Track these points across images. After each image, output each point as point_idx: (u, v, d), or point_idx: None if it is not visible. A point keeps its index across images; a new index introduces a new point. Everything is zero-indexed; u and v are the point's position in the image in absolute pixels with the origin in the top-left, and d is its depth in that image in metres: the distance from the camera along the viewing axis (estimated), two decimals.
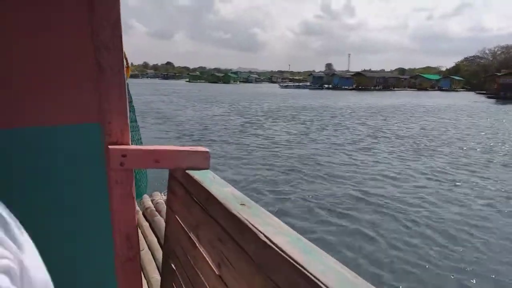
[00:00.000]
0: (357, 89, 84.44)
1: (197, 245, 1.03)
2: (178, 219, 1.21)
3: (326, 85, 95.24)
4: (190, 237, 1.09)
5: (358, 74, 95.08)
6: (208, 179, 1.04)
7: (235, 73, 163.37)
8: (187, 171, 1.11)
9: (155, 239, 2.89)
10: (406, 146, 12.83)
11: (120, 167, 1.06)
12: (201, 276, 0.97)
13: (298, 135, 15.09)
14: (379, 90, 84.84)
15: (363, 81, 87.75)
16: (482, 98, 55.32)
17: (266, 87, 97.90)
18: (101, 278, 1.65)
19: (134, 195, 1.14)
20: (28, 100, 1.46)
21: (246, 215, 0.76)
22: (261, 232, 0.68)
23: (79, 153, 1.55)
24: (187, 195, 1.12)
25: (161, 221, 3.12)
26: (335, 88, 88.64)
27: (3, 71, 1.41)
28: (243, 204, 0.84)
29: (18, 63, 1.42)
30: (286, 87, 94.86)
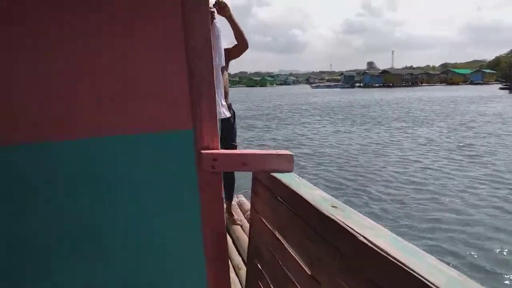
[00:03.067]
0: (385, 86, 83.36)
1: (285, 245, 1.07)
2: (263, 219, 1.26)
3: (357, 84, 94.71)
4: (276, 237, 1.13)
5: (384, 72, 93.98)
6: (294, 181, 1.07)
7: (273, 76, 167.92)
8: (272, 174, 1.15)
9: (230, 239, 3.00)
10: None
11: (211, 170, 1.13)
12: (290, 275, 1.00)
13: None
14: (407, 86, 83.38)
15: (390, 79, 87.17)
16: (497, 90, 51.81)
17: (299, 88, 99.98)
18: (191, 277, 1.76)
19: (223, 196, 1.21)
20: (119, 107, 1.60)
21: (339, 217, 0.78)
22: (358, 234, 0.70)
23: (171, 158, 1.67)
24: (273, 197, 1.16)
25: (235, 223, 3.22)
26: (366, 86, 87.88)
27: (94, 77, 1.55)
28: (335, 207, 0.86)
29: (111, 69, 1.56)
30: (317, 87, 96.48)
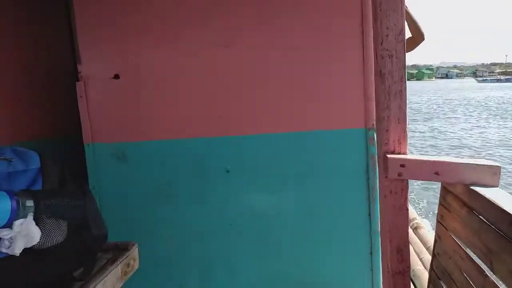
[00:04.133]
0: None
1: (488, 275, 0.90)
2: (454, 237, 1.10)
3: None
4: (475, 263, 0.97)
5: None
6: (505, 199, 0.88)
7: (431, 69, 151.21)
8: (471, 187, 0.98)
9: None
10: None
11: (397, 178, 1.03)
12: None
13: None
14: None
15: None
16: None
17: (460, 82, 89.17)
18: (357, 283, 1.70)
19: (408, 206, 1.09)
20: (291, 106, 1.63)
21: None
22: None
23: (342, 157, 1.63)
24: (470, 214, 0.99)
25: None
26: None
27: (276, 76, 1.61)
28: None
29: (292, 68, 1.60)
30: (484, 81, 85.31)
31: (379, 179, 1.13)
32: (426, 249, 2.48)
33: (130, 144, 1.69)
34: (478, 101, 27.58)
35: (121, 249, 1.08)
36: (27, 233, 0.73)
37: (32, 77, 1.94)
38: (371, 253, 1.65)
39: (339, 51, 1.57)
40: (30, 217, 0.75)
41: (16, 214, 0.72)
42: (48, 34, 2.11)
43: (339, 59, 1.58)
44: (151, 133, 1.68)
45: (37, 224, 0.76)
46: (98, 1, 1.62)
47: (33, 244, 0.75)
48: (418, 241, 2.65)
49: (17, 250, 0.72)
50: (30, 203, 0.75)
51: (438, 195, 1.20)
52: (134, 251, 1.11)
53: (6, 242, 0.72)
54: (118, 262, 1.02)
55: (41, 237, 0.76)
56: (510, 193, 0.98)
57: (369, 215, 1.63)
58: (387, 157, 1.04)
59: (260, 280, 1.71)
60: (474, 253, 0.97)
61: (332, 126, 1.62)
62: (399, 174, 1.03)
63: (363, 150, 1.61)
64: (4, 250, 0.72)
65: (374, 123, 1.52)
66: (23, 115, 1.86)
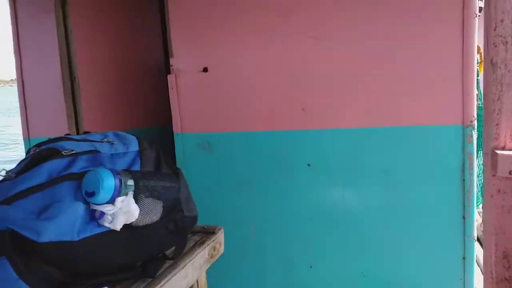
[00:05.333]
0: None
1: None
2: None
3: None
4: None
5: None
6: None
7: None
8: None
9: None
10: None
11: (508, 176, 0.92)
12: None
13: None
14: None
15: None
16: None
17: None
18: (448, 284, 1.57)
19: None
20: (388, 100, 1.55)
21: None
22: None
23: (434, 155, 1.51)
24: None
25: None
26: None
27: (356, 70, 1.54)
28: None
29: (393, 66, 1.51)
30: None
31: (485, 177, 1.02)
32: None
33: (215, 134, 1.74)
34: None
35: (208, 232, 1.12)
36: (127, 210, 0.78)
37: (127, 71, 2.11)
38: (463, 258, 1.51)
39: (435, 43, 1.45)
40: (131, 195, 0.80)
41: (119, 191, 0.77)
42: (143, 32, 2.27)
43: (436, 51, 1.46)
44: (235, 125, 1.72)
45: (136, 203, 0.80)
46: (189, 1, 1.70)
47: (132, 221, 0.80)
48: None
49: (118, 226, 0.78)
50: (130, 182, 0.80)
51: None
52: (220, 235, 1.14)
53: (109, 217, 0.77)
54: (206, 245, 1.05)
55: (139, 214, 0.81)
56: None
57: (463, 217, 1.50)
58: (496, 153, 0.93)
59: (341, 278, 1.66)
60: None
61: (425, 122, 1.51)
62: (510, 172, 0.91)
63: (458, 148, 1.48)
64: (107, 225, 0.78)
65: (473, 119, 1.40)
66: (122, 106, 2.03)
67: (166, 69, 2.25)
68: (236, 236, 1.72)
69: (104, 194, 0.75)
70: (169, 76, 1.75)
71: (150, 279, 0.85)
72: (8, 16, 2.04)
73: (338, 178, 1.62)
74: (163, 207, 0.87)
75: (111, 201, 0.77)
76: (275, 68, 1.63)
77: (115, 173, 0.79)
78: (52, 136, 0.95)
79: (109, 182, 0.76)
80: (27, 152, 0.89)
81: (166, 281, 0.85)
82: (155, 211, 0.85)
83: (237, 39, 1.65)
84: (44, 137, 1.97)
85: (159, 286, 0.83)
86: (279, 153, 1.68)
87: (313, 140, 1.62)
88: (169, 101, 1.78)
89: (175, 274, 0.89)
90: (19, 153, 8.35)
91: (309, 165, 1.63)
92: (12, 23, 2.04)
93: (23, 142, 2.12)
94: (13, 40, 2.04)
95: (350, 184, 1.63)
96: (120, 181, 0.78)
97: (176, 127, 1.78)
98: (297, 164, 1.65)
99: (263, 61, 1.63)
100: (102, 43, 2.00)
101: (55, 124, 1.90)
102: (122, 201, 0.78)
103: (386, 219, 1.62)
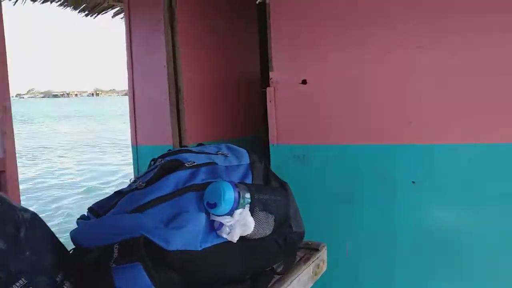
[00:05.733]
0: None
1: None
2: None
3: None
4: None
5: None
6: None
7: None
8: None
9: None
10: None
11: None
12: None
13: None
14: None
15: None
16: None
17: None
18: None
19: None
20: (507, 114, 1.39)
21: None
22: None
23: None
24: None
25: None
26: None
27: (467, 82, 1.40)
28: None
29: (488, 73, 1.37)
30: None
31: None
32: None
33: (312, 146, 1.72)
34: None
35: (312, 248, 1.10)
36: (244, 223, 0.80)
37: (225, 85, 2.21)
38: None
39: None
40: (247, 208, 0.81)
41: (238, 204, 0.79)
42: (241, 50, 2.37)
43: None
44: (332, 137, 1.69)
45: (251, 215, 0.82)
46: (291, 16, 1.72)
47: (247, 233, 0.81)
48: None
49: (235, 237, 0.79)
50: (247, 195, 0.82)
51: None
52: (324, 253, 1.12)
53: (227, 229, 0.79)
54: (311, 262, 1.03)
55: (254, 227, 0.82)
56: None
57: None
58: None
59: None
60: None
61: None
62: None
63: None
64: (224, 236, 0.80)
65: None
66: (219, 117, 2.12)
67: (261, 83, 2.33)
68: (329, 254, 1.68)
69: (225, 206, 0.77)
70: (268, 89, 1.78)
71: None
72: (124, 34, 2.27)
73: (447, 198, 1.50)
74: (274, 221, 0.88)
75: (230, 213, 0.79)
76: (373, 80, 1.57)
77: (234, 185, 0.81)
78: (157, 145, 1.01)
79: (230, 194, 0.78)
80: (152, 162, 0.95)
81: None
82: (268, 225, 0.86)
83: (339, 53, 1.63)
84: (150, 146, 2.14)
85: None
86: (379, 168, 1.60)
87: (419, 155, 1.52)
88: (258, 112, 1.82)
89: None
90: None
91: (413, 182, 1.53)
92: (126, 40, 2.25)
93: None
94: (127, 56, 2.24)
95: (460, 205, 1.50)
96: (239, 193, 0.80)
97: (272, 138, 1.80)
98: (400, 181, 1.56)
99: (365, 74, 1.58)
100: (205, 59, 2.11)
101: (161, 134, 2.04)
102: (240, 213, 0.80)
103: (501, 246, 1.45)
